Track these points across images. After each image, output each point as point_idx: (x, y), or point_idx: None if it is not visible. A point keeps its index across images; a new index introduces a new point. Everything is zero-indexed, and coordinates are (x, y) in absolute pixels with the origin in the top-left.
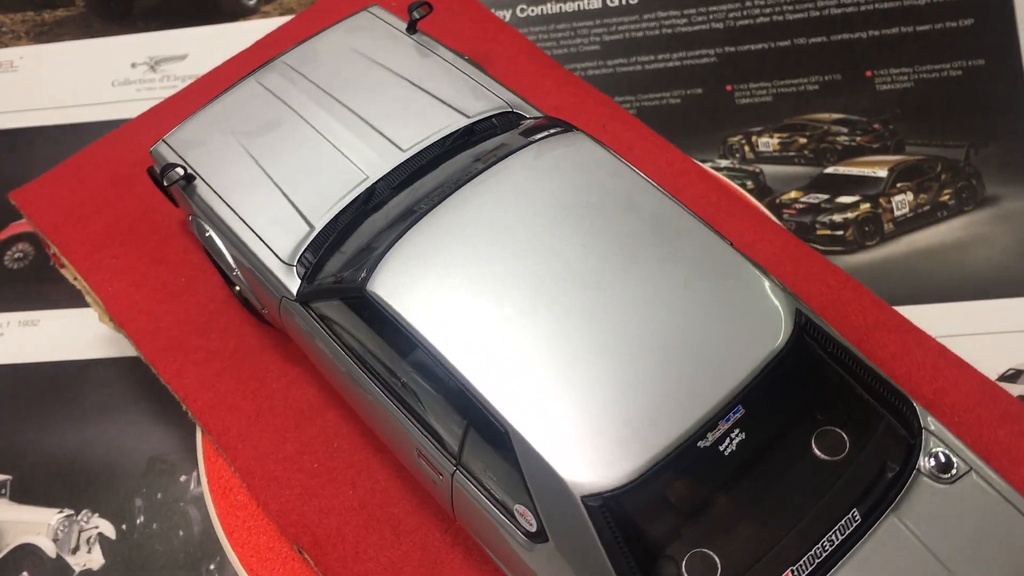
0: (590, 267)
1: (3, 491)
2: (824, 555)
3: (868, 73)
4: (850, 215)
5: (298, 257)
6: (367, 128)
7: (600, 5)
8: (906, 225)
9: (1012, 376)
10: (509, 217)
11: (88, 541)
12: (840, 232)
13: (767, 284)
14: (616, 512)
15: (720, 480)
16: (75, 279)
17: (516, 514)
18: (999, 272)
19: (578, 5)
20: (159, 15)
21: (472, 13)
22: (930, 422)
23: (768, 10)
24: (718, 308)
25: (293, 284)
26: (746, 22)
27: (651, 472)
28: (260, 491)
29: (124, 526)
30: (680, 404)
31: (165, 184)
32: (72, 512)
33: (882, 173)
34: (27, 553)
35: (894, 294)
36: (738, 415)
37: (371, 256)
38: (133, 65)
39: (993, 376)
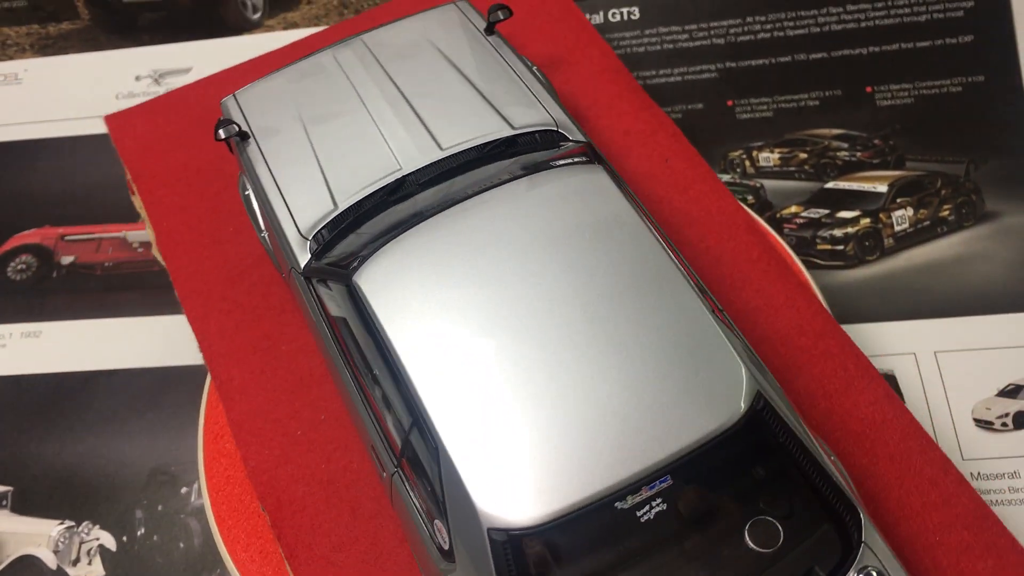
0: (562, 308)
1: (4, 502)
2: None
3: (868, 89)
4: (851, 230)
5: (314, 232)
6: (414, 120)
7: (602, 20)
8: (906, 240)
9: (1012, 391)
10: (503, 240)
11: (89, 553)
12: (841, 247)
13: (735, 359)
14: (518, 551)
15: (632, 546)
16: (140, 208)
17: (435, 529)
18: (999, 287)
19: None
20: (163, 29)
21: (570, 22)
22: (875, 538)
23: (769, 26)
24: (676, 374)
25: (303, 258)
26: (747, 38)
27: (561, 521)
28: (243, 445)
29: (125, 538)
30: (609, 462)
31: (222, 137)
32: (73, 524)
33: (882, 188)
34: (28, 564)
35: (894, 309)
36: (664, 484)
37: (369, 248)
38: (137, 78)
39: (992, 391)
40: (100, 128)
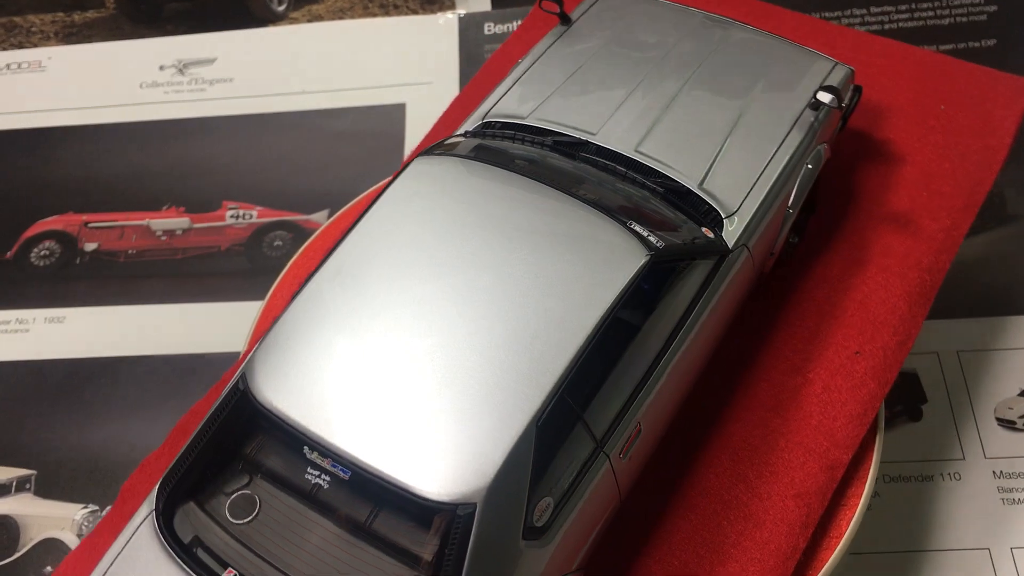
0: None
1: (28, 486)
2: None
3: None
4: None
5: (490, 119)
6: (653, 115)
7: None
8: None
9: None
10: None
11: None
12: None
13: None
14: (239, 409)
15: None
16: None
17: None
18: (1021, 288)
19: None
20: (188, 19)
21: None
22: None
23: None
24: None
25: (466, 127)
26: None
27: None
28: None
29: None
30: (339, 418)
31: (546, 10)
32: (96, 508)
33: None
34: (51, 547)
35: None
36: (343, 473)
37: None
38: (161, 68)
39: (1015, 391)
40: (124, 117)
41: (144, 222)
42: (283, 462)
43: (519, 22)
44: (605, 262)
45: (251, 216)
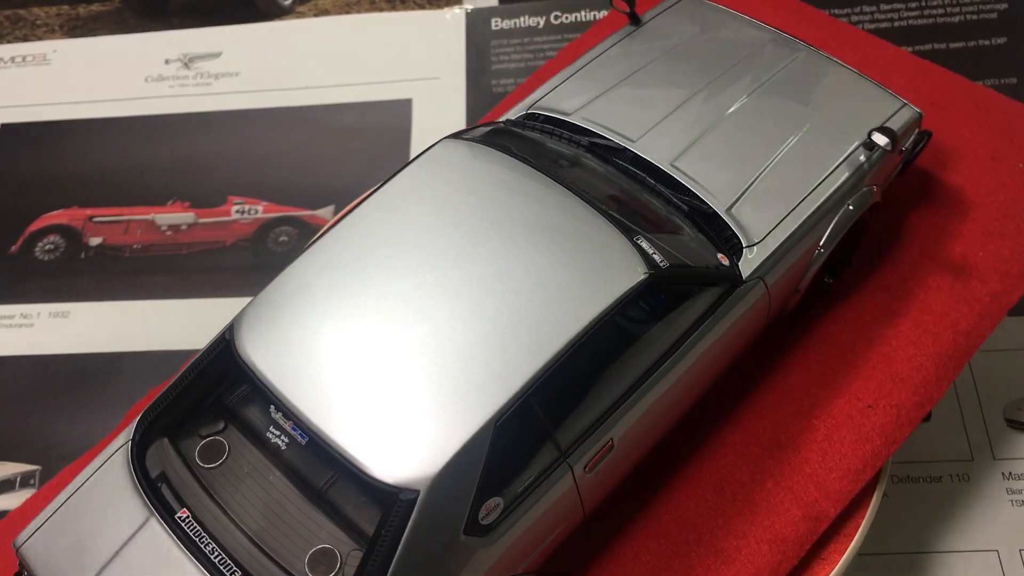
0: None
1: (32, 481)
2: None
3: None
4: None
5: (534, 111)
6: (697, 130)
7: None
8: None
9: None
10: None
11: None
12: None
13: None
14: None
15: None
16: None
17: None
18: None
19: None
20: (194, 12)
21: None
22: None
23: None
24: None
25: (512, 114)
26: None
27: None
28: None
29: None
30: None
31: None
32: None
33: None
34: None
35: None
36: (301, 438)
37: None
38: (167, 61)
39: None
40: (128, 111)
41: (149, 217)
42: (253, 417)
43: (527, 18)
44: (600, 273)
45: (257, 211)
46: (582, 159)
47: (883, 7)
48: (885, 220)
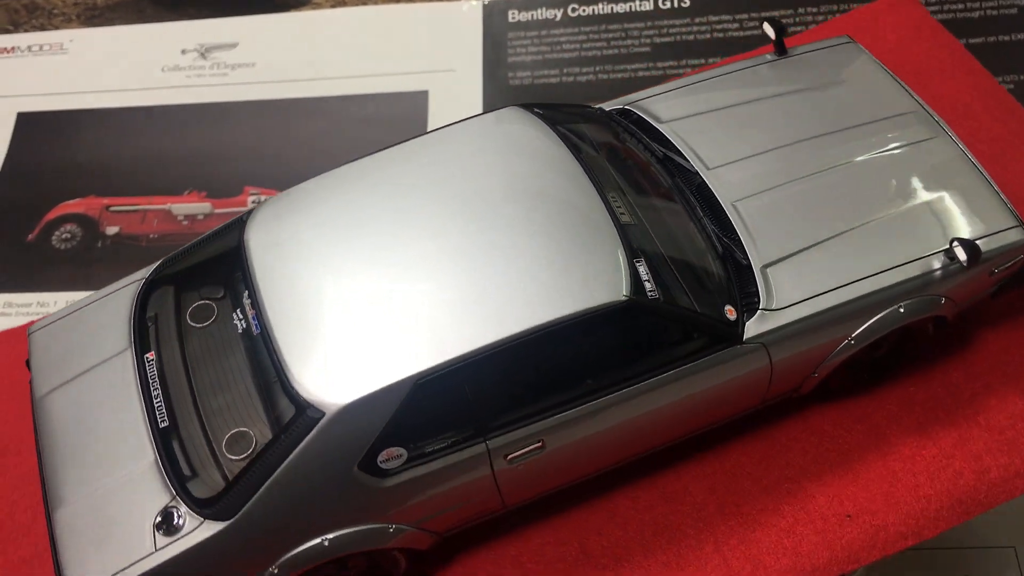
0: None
1: None
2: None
3: None
4: None
5: (623, 107)
6: (778, 180)
7: (652, 7)
8: None
9: None
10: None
11: None
12: None
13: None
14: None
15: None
16: None
17: None
18: None
19: (630, 7)
20: (211, 3)
21: None
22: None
23: (821, 17)
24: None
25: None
26: (799, 28)
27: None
28: None
29: None
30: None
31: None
32: None
33: None
34: None
35: None
36: (255, 328)
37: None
38: (183, 51)
39: None
40: (145, 101)
41: (166, 206)
42: (238, 295)
43: (544, 10)
44: (582, 280)
45: None
46: (648, 169)
47: None
48: (969, 340)
